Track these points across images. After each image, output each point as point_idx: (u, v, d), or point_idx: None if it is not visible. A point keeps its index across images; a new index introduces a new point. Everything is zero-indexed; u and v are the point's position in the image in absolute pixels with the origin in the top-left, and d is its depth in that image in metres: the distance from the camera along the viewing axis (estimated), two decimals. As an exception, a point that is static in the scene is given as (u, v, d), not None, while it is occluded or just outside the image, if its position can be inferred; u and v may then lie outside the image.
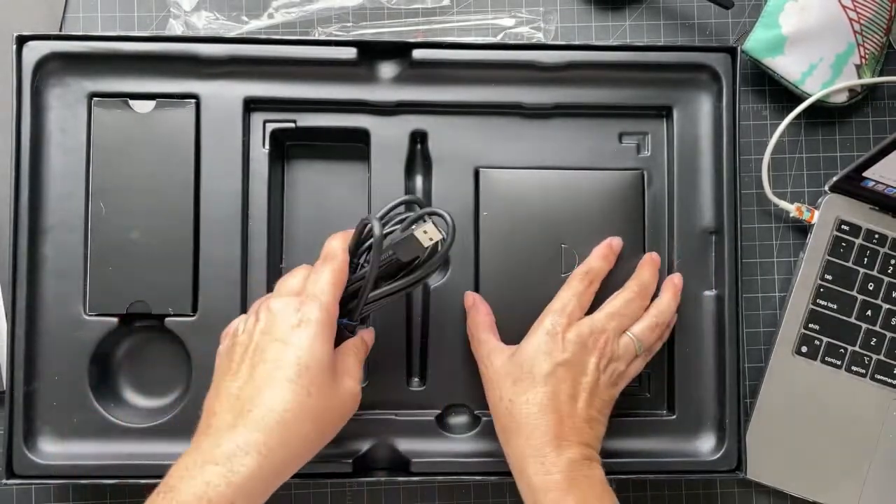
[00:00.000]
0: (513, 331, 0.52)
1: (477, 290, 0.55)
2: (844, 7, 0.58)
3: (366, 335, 0.50)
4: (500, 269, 0.55)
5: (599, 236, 0.54)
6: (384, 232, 0.46)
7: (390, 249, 0.47)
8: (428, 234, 0.46)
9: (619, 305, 0.52)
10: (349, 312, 0.48)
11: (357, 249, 0.48)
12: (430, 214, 0.47)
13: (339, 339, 0.48)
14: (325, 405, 0.44)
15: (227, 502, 0.40)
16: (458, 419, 0.56)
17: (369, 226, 0.46)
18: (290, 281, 0.48)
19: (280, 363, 0.43)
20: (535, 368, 0.49)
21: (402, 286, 0.48)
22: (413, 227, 0.47)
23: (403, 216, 0.49)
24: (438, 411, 0.55)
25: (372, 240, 0.46)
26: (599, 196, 0.55)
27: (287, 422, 0.43)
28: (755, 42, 0.59)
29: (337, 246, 0.47)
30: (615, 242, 0.54)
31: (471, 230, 0.55)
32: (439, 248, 0.47)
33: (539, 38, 0.61)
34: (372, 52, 0.55)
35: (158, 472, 0.52)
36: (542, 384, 0.48)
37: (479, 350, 0.52)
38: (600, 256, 0.54)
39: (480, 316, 0.53)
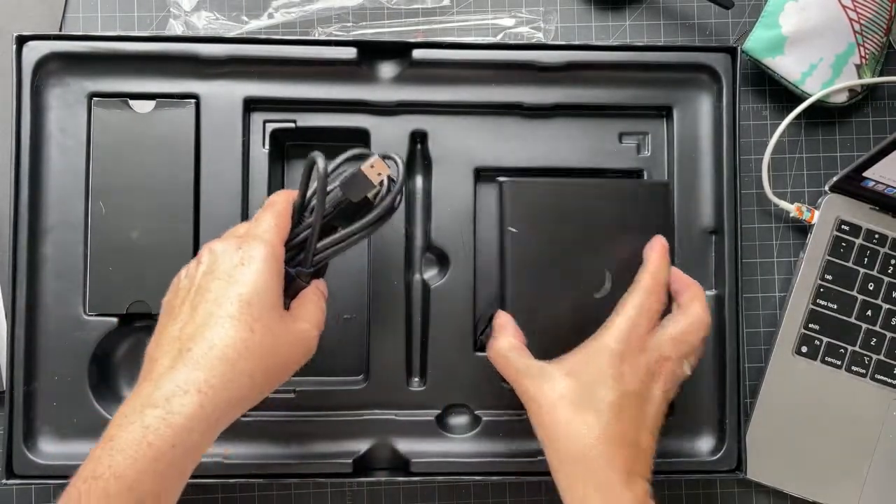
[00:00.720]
0: (549, 353, 0.48)
1: (475, 289, 0.55)
2: (844, 7, 0.58)
3: (320, 285, 0.48)
4: (531, 287, 0.50)
5: (629, 254, 0.50)
6: (330, 172, 0.45)
7: (339, 190, 0.45)
8: (375, 168, 0.45)
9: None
10: (301, 262, 0.46)
11: (305, 198, 0.46)
12: (381, 157, 0.45)
13: (296, 289, 0.46)
14: (271, 344, 0.42)
15: (168, 445, 0.38)
16: (458, 419, 0.56)
17: (315, 165, 0.44)
18: (234, 229, 0.47)
19: (221, 300, 0.41)
20: (600, 394, 0.44)
21: (354, 231, 0.46)
22: (360, 164, 0.45)
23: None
24: (438, 411, 0.55)
25: (318, 181, 0.44)
26: (624, 208, 0.51)
27: (229, 358, 0.40)
28: (755, 42, 0.59)
29: (278, 196, 0.46)
30: (665, 240, 0.50)
31: (470, 230, 0.55)
32: (391, 187, 0.46)
33: (539, 38, 0.61)
34: (372, 52, 0.55)
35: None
36: (608, 411, 0.44)
37: (518, 375, 0.47)
38: (663, 257, 0.49)
39: (508, 337, 0.48)
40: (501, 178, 0.51)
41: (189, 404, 0.39)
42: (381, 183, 0.46)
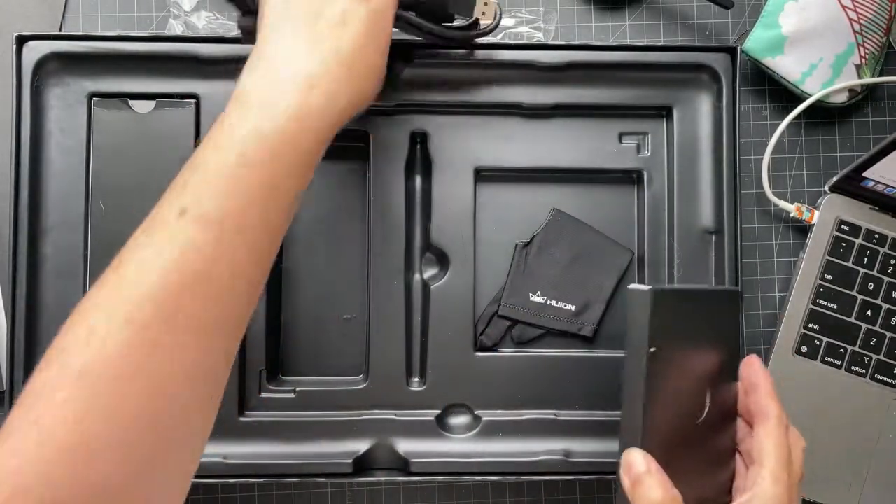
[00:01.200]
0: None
1: (475, 289, 0.55)
2: (844, 7, 0.58)
3: None
4: (660, 419, 0.42)
5: (717, 370, 0.45)
6: None
7: None
8: (488, 5, 0.49)
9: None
10: None
11: None
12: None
13: None
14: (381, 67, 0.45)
15: (329, 125, 0.41)
16: (458, 419, 0.56)
17: None
18: None
19: (370, 30, 0.43)
20: None
21: (429, 29, 0.49)
22: None
23: None
24: (438, 411, 0.55)
25: None
26: (712, 316, 0.47)
27: (365, 73, 0.43)
28: (755, 42, 0.59)
29: None
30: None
31: (471, 230, 0.55)
32: (479, 24, 0.50)
33: (539, 38, 0.61)
34: (372, 52, 0.55)
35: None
36: None
37: None
38: (770, 379, 0.46)
39: (666, 489, 0.40)
40: (638, 287, 0.42)
41: (336, 98, 0.41)
42: (475, 18, 0.50)
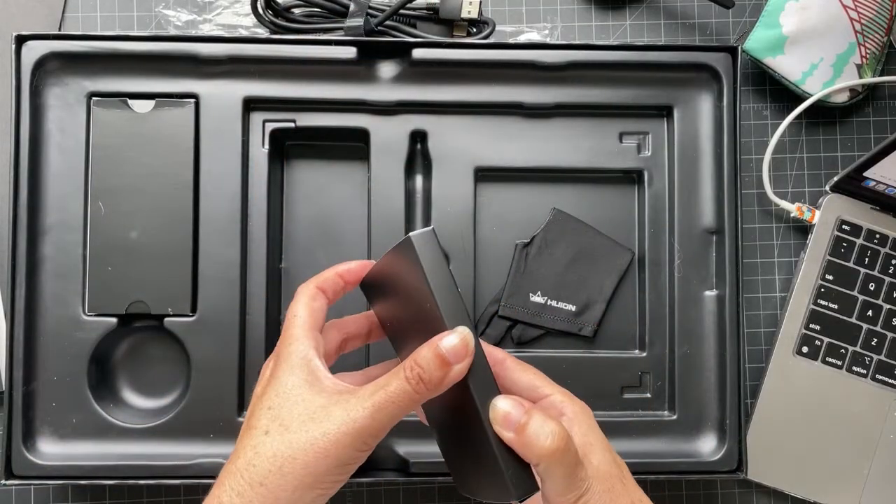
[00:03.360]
0: None
1: (475, 289, 0.55)
2: (845, 6, 0.58)
3: None
4: None
5: None
6: None
7: None
8: (472, 4, 0.54)
9: None
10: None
11: None
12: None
13: None
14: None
15: None
16: (458, 419, 0.56)
17: None
18: None
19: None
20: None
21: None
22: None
23: None
24: (438, 412, 0.55)
25: None
26: None
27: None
28: (756, 42, 0.59)
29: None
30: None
31: (471, 230, 0.55)
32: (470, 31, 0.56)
33: (539, 38, 0.61)
34: (372, 52, 0.55)
35: (157, 472, 0.52)
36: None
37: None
38: None
39: None
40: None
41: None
42: (463, 18, 0.56)
